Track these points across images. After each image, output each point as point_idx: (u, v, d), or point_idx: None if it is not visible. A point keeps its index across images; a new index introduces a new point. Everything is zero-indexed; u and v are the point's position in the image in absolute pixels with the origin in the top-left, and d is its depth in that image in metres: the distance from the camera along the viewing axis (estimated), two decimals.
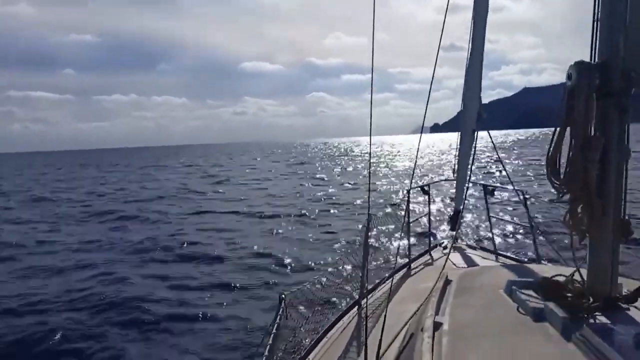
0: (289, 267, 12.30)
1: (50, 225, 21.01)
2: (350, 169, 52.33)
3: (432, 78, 3.41)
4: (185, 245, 15.53)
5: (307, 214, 20.77)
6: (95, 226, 20.54)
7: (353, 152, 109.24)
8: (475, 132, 5.72)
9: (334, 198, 26.39)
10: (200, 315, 9.26)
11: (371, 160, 3.49)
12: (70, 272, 12.79)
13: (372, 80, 2.72)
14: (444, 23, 3.34)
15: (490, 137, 5.92)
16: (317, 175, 43.18)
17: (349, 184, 34.10)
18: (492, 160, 47.90)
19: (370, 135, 2.81)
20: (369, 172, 4.01)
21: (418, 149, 3.62)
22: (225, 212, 22.49)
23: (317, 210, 21.62)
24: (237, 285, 11.00)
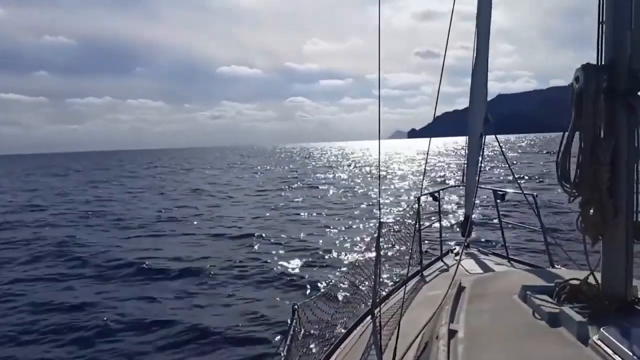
0: None
1: None
2: None
3: (440, 83, 3.43)
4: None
5: None
6: None
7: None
8: (483, 136, 5.69)
9: None
10: (213, 328, 9.24)
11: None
12: None
13: (379, 84, 2.75)
14: (449, 27, 3.37)
15: (498, 142, 5.89)
16: None
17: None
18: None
19: (379, 141, 2.85)
20: (379, 178, 4.08)
21: (427, 152, 3.71)
22: None
23: None
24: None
